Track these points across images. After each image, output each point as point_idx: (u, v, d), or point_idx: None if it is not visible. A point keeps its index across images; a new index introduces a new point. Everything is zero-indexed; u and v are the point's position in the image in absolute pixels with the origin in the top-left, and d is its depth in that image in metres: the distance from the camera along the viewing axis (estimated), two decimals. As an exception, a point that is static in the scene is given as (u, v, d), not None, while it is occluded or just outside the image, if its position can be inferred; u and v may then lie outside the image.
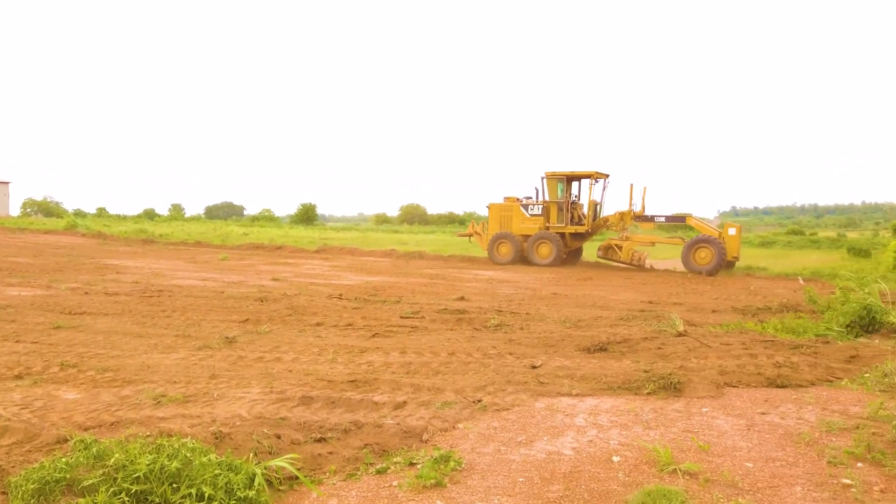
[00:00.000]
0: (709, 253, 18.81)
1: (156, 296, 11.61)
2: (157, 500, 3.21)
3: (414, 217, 74.69)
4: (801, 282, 14.81)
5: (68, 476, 3.29)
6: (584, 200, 21.78)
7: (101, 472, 3.30)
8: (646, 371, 6.22)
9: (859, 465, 4.04)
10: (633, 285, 15.64)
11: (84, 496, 3.19)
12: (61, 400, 5.33)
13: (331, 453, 4.20)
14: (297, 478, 3.76)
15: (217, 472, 3.40)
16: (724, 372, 6.24)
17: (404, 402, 5.32)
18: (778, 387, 5.89)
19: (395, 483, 3.82)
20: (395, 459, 4.15)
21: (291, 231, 47.68)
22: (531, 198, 22.11)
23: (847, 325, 8.33)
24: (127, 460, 3.33)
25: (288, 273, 17.06)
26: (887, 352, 6.97)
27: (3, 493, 3.31)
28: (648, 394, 5.62)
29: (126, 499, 3.15)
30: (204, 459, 3.46)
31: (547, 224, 21.49)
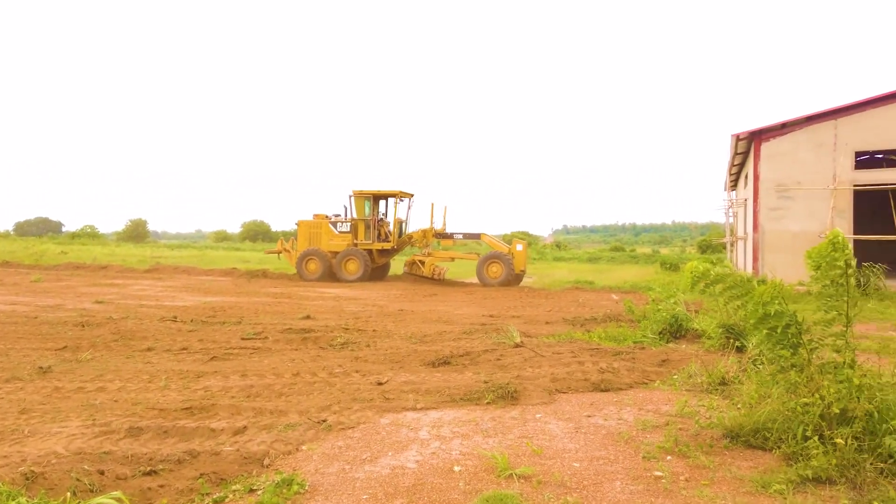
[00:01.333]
0: (499, 267, 20.74)
1: (-50, 324, 10.17)
2: (-49, 555, 2.83)
3: (257, 234, 71.90)
4: (615, 297, 16.25)
5: None
6: (392, 218, 23.00)
7: None
8: (486, 382, 6.51)
9: (668, 457, 4.53)
10: (476, 300, 16.27)
11: None
12: None
13: (162, 486, 3.95)
14: (123, 516, 3.48)
15: (27, 517, 3.07)
16: (555, 379, 6.69)
17: (244, 427, 5.13)
18: (602, 391, 6.43)
19: (234, 512, 3.67)
20: (233, 487, 3.98)
21: (118, 249, 43.95)
22: (340, 215, 22.95)
23: (659, 333, 9.29)
24: (-88, 514, 2.91)
25: (114, 295, 15.73)
26: (691, 355, 7.87)
27: None
28: (488, 403, 5.89)
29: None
30: (12, 503, 3.11)
31: (355, 241, 22.33)
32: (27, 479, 3.79)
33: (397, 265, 24.90)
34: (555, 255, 43.07)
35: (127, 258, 29.57)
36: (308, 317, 11.95)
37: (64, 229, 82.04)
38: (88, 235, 65.47)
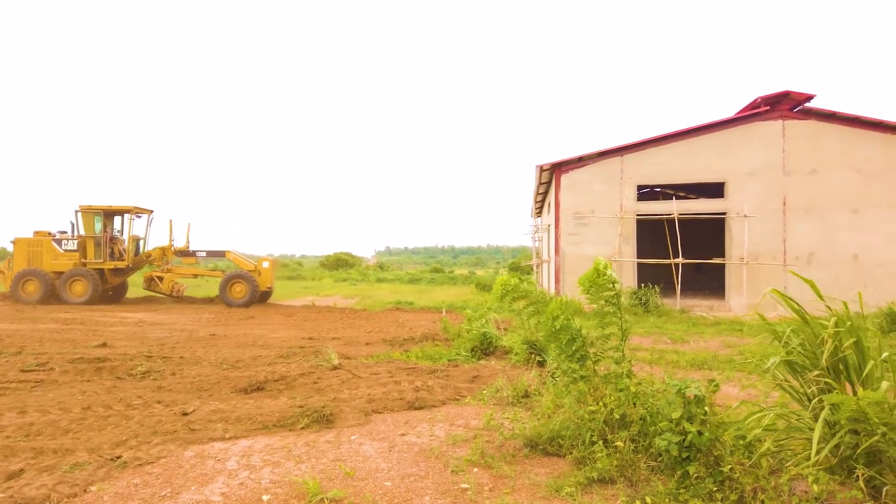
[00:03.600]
0: (242, 287, 20.68)
1: None
2: None
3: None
4: (444, 313, 16.88)
5: None
6: (126, 236, 22.44)
7: None
8: (300, 406, 6.39)
9: (475, 470, 4.77)
10: (295, 322, 15.89)
11: None
12: None
13: None
14: None
15: None
16: (371, 400, 6.76)
17: (21, 470, 4.55)
18: (416, 409, 6.61)
19: (2, 568, 3.24)
20: (4, 540, 3.52)
21: None
22: (66, 232, 21.90)
23: (471, 350, 9.77)
24: None
25: None
26: (499, 370, 8.37)
27: None
28: (302, 428, 5.79)
29: None
30: None
31: (83, 260, 21.28)
32: None
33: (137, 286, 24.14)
34: (377, 275, 43.44)
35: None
36: (104, 344, 10.88)
37: None
38: None
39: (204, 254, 22.21)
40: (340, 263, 52.55)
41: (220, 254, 22.36)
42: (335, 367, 8.36)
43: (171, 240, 21.84)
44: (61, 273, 20.56)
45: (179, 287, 21.83)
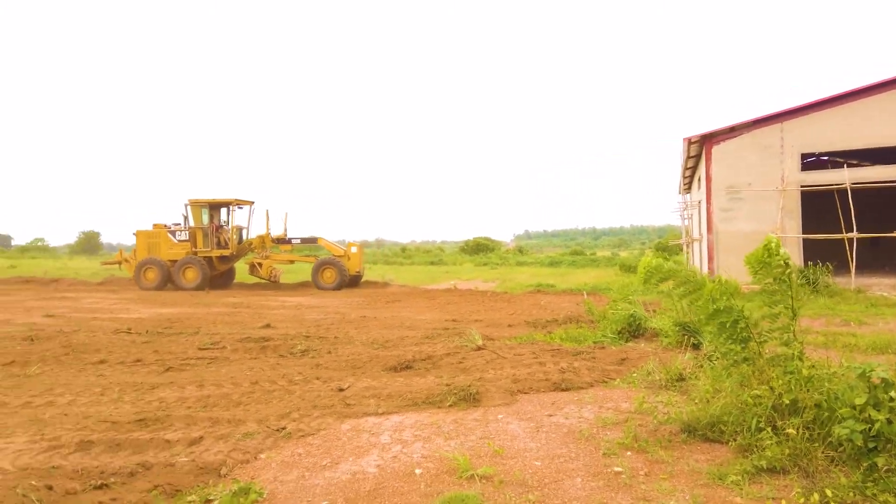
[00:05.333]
0: (332, 272, 21.75)
1: None
2: None
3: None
4: (586, 296, 16.48)
5: None
6: (231, 226, 23.81)
7: None
8: (447, 384, 6.49)
9: (628, 453, 4.58)
10: (438, 305, 16.26)
11: None
12: None
13: (113, 500, 3.82)
14: (71, 531, 3.36)
15: (-33, 536, 2.94)
16: (516, 380, 6.72)
17: (200, 438, 5.01)
18: (562, 390, 6.48)
19: (189, 523, 3.58)
20: (189, 498, 3.88)
21: (71, 262, 42.63)
22: (179, 224, 23.47)
23: (618, 332, 9.43)
24: None
25: (65, 308, 15.24)
26: (650, 353, 8.00)
27: None
28: (450, 406, 5.88)
29: None
30: (-51, 524, 2.97)
31: (193, 249, 22.85)
32: (-31, 497, 3.63)
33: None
34: (517, 259, 43.41)
35: (79, 271, 28.68)
36: (268, 325, 11.77)
37: (13, 243, 79.13)
38: (39, 249, 63.37)
39: (298, 241, 23.48)
40: (480, 248, 53.09)
41: (313, 240, 23.57)
42: (479, 348, 8.42)
43: (268, 228, 23.21)
44: (175, 261, 22.46)
45: (276, 272, 23.01)
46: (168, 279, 22.17)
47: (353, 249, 22.47)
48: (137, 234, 23.41)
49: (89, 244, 62.15)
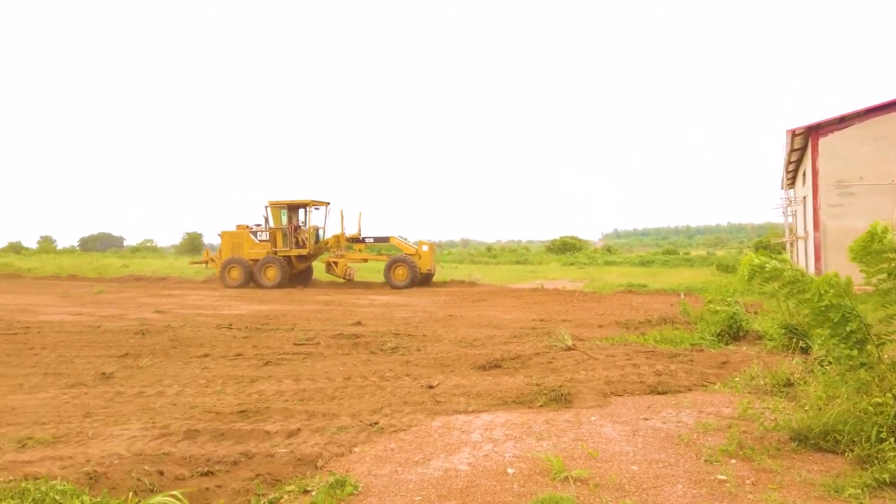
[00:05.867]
0: (404, 270, 22.10)
1: (21, 333, 10.66)
2: (20, 550, 2.92)
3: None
4: (682, 296, 15.85)
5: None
6: (308, 226, 24.37)
7: (-49, 524, 2.96)
8: (537, 385, 6.40)
9: (732, 461, 4.34)
10: (525, 305, 16.11)
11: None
12: None
13: (219, 487, 4.00)
14: (181, 515, 3.54)
15: (90, 514, 3.15)
16: (609, 382, 6.53)
17: (298, 430, 5.17)
18: (659, 393, 6.24)
19: (288, 512, 3.68)
20: (288, 488, 4.01)
21: (176, 262, 45.35)
22: (260, 225, 24.13)
23: (717, 334, 8.99)
24: (-17, 509, 3.01)
25: (172, 304, 16.21)
26: (753, 357, 7.57)
27: None
28: (541, 406, 5.78)
29: (-18, 551, 2.84)
30: (75, 502, 3.21)
31: (273, 249, 23.48)
32: (91, 478, 3.89)
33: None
34: (605, 258, 42.43)
35: (184, 270, 30.39)
36: (358, 323, 12.05)
37: (125, 243, 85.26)
38: (148, 249, 67.88)
39: (371, 240, 23.96)
40: (566, 247, 52.25)
41: (385, 239, 23.97)
42: (569, 348, 8.26)
43: (342, 228, 23.86)
44: (257, 260, 23.31)
45: (350, 271, 23.56)
46: (250, 277, 23.12)
47: (425, 248, 22.84)
48: (222, 234, 24.58)
49: (192, 244, 65.83)
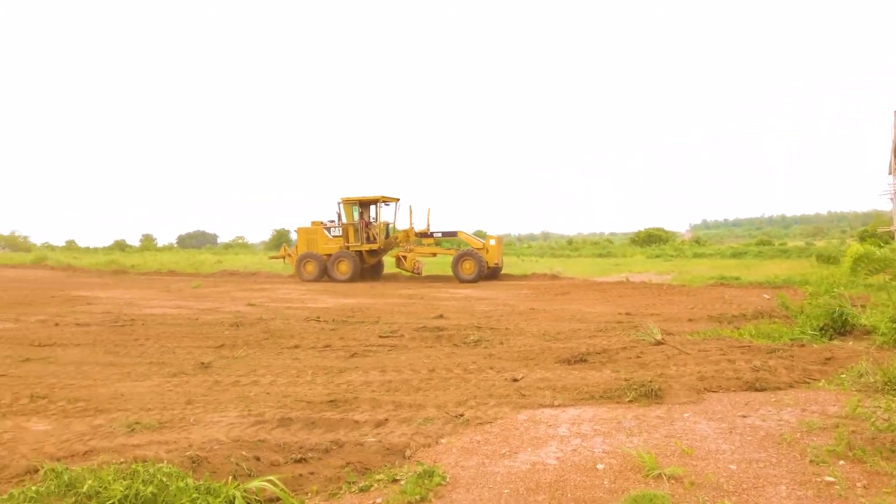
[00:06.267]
0: (471, 264, 22.35)
1: (128, 325, 11.38)
2: (133, 526, 3.11)
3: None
4: (766, 296, 15.00)
5: (38, 506, 3.17)
6: (379, 221, 24.80)
7: (72, 500, 3.18)
8: (626, 379, 6.23)
9: (841, 462, 4.07)
10: (610, 298, 15.75)
11: (55, 526, 3.07)
12: (31, 431, 5.16)
13: (312, 473, 4.12)
14: (278, 499, 3.66)
15: (195, 495, 3.31)
16: (703, 377, 6.27)
17: (385, 420, 5.25)
18: (757, 390, 5.93)
19: (378, 500, 3.75)
20: (377, 477, 4.07)
21: (266, 257, 47.23)
22: (333, 221, 24.86)
23: (820, 329, 8.45)
24: (100, 487, 3.23)
25: (263, 298, 16.87)
26: (861, 352, 7.08)
27: (-31, 526, 3.17)
28: (630, 402, 5.62)
29: (100, 526, 3.04)
30: (181, 484, 3.37)
31: (346, 244, 24.27)
32: (193, 462, 4.10)
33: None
34: (693, 250, 40.84)
35: (274, 265, 31.62)
36: (440, 316, 12.14)
37: (219, 240, 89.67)
38: (240, 245, 71.07)
39: (440, 234, 24.35)
40: (652, 239, 50.64)
41: (453, 234, 24.31)
42: (658, 343, 7.99)
43: (411, 223, 24.33)
44: (330, 255, 24.11)
45: (419, 265, 23.88)
46: (324, 271, 23.94)
47: (492, 242, 22.98)
48: (298, 230, 25.65)
49: (280, 241, 68.36)
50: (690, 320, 11.03)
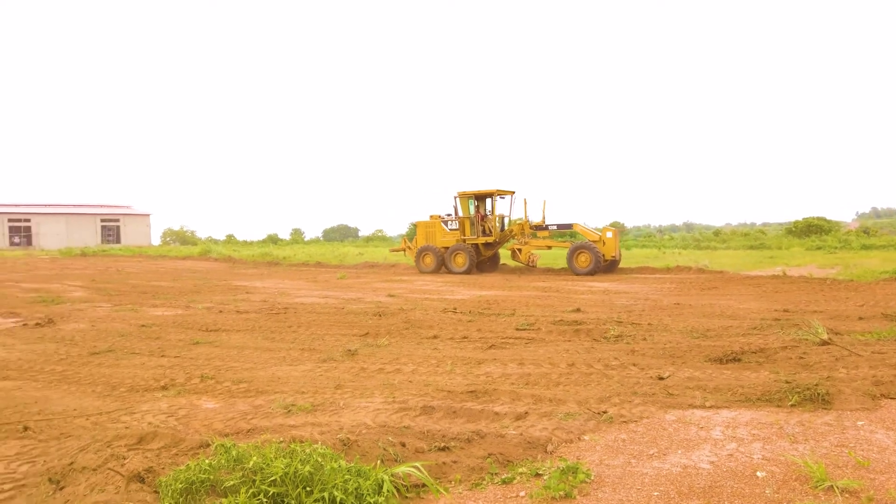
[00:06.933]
0: (587, 257, 21.89)
1: (282, 313, 12.21)
2: (293, 502, 3.31)
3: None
4: None
5: (211, 477, 3.46)
6: (494, 214, 25.05)
7: (240, 474, 3.45)
8: (787, 382, 5.74)
9: None
10: (764, 294, 14.62)
11: (226, 496, 3.34)
12: (202, 409, 5.68)
13: (454, 462, 4.17)
14: (423, 485, 3.75)
15: (347, 477, 3.47)
16: (879, 382, 5.63)
17: (525, 413, 5.21)
18: (947, 399, 5.23)
19: (522, 493, 3.72)
20: (520, 470, 4.05)
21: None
22: (451, 214, 25.21)
23: None
24: (263, 464, 3.47)
25: (402, 289, 17.43)
26: None
27: (155, 491, 3.53)
28: (792, 406, 5.17)
29: (264, 500, 3.27)
30: (334, 465, 3.54)
31: (462, 237, 24.59)
32: (344, 445, 4.29)
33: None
34: (862, 242, 36.89)
35: (411, 258, 32.64)
36: (578, 310, 11.88)
37: (360, 234, 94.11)
38: (379, 238, 74.02)
39: (555, 227, 24.13)
40: (812, 229, 46.34)
41: (568, 226, 24.01)
42: (824, 343, 7.30)
43: (526, 216, 24.16)
44: (447, 248, 24.59)
45: (534, 257, 23.68)
46: (441, 263, 24.57)
47: (609, 235, 22.54)
48: (417, 224, 26.41)
49: (414, 234, 70.55)
50: (861, 319, 9.96)
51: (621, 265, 23.76)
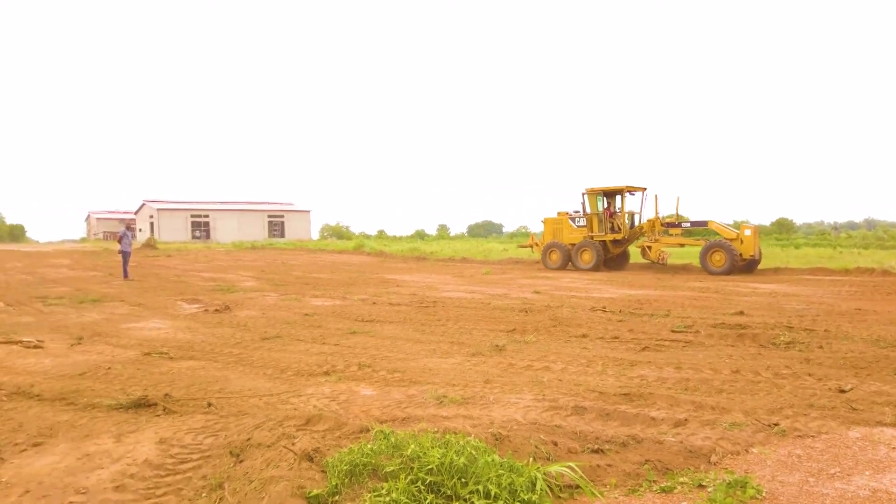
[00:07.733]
0: (721, 256, 20.79)
1: (430, 306, 12.55)
2: (448, 492, 3.37)
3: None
4: None
5: (373, 462, 3.62)
6: (623, 211, 24.39)
7: (399, 461, 3.57)
8: None
9: None
10: (967, 300, 12.74)
11: (387, 481, 3.48)
12: (360, 395, 5.97)
13: (609, 466, 4.04)
14: (576, 487, 3.66)
15: (500, 472, 3.47)
16: None
17: (685, 420, 4.93)
18: None
19: (683, 504, 3.52)
20: (680, 479, 3.83)
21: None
22: (578, 211, 25.05)
23: None
24: (420, 452, 3.57)
25: (547, 286, 17.25)
26: None
27: (323, 471, 3.76)
28: None
29: (422, 487, 3.36)
30: (487, 459, 3.56)
31: (590, 233, 24.30)
32: (496, 439, 4.31)
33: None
34: None
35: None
36: (741, 312, 11.07)
37: (504, 230, 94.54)
38: (523, 235, 73.90)
39: (688, 224, 23.35)
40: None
41: (703, 224, 23.01)
42: None
43: (656, 213, 23.36)
44: (574, 244, 24.23)
45: (664, 255, 22.96)
46: (568, 260, 24.30)
47: (747, 232, 21.07)
48: (545, 221, 26.24)
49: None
50: None
51: (762, 266, 22.17)
